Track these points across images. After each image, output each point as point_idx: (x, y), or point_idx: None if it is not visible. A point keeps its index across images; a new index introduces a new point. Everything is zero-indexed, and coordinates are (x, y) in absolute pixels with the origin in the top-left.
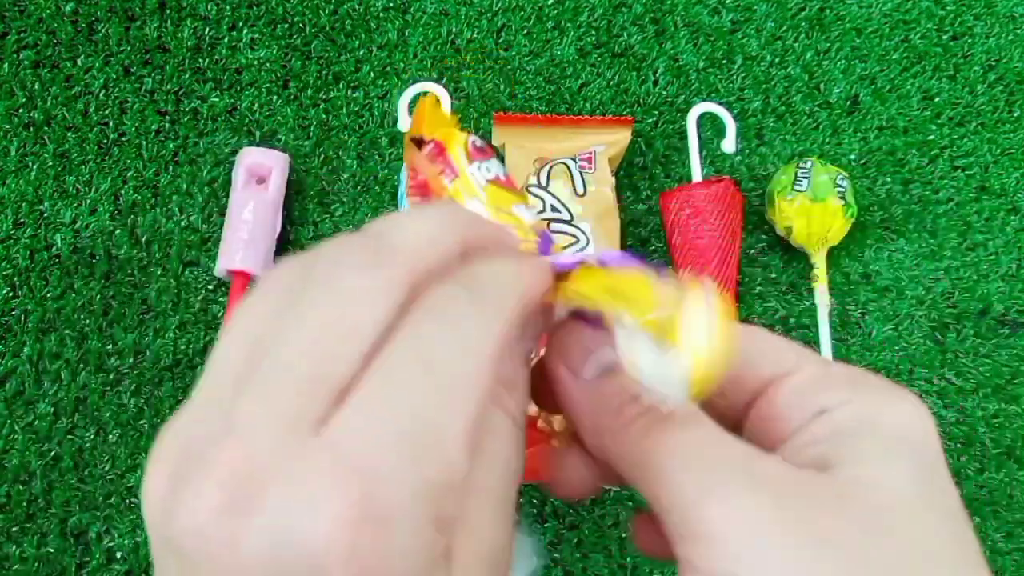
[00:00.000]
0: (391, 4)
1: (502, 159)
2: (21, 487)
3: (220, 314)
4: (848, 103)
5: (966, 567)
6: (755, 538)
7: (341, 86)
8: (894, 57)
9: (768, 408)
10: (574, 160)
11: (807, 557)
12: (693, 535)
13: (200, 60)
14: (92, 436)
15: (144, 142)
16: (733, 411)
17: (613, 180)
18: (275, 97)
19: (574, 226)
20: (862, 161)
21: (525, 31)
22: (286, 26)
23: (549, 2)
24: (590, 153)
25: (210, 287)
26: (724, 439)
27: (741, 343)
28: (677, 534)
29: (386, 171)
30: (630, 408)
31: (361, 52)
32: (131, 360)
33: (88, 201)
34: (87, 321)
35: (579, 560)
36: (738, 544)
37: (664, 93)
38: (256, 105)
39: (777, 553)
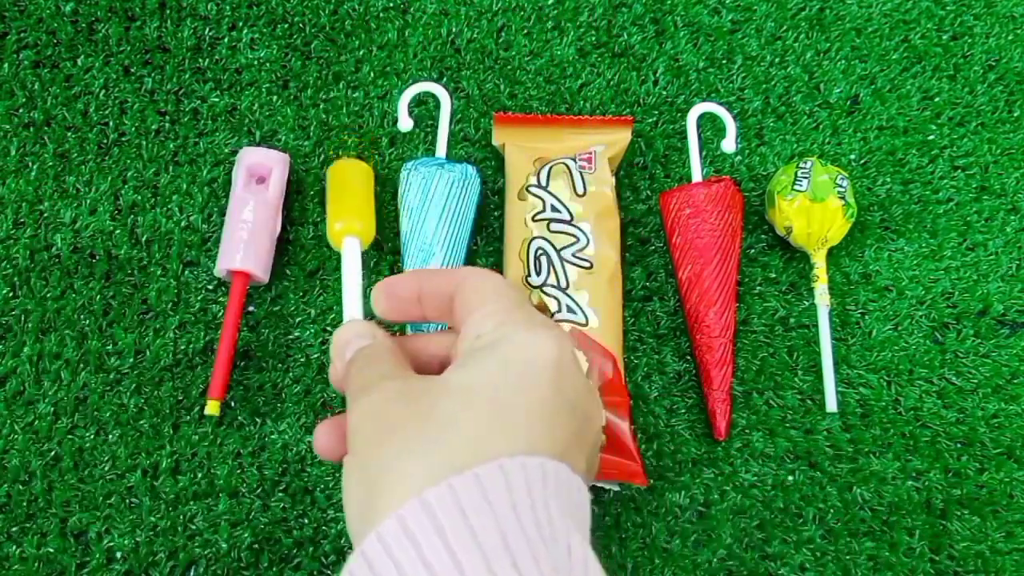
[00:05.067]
0: (391, 4)
1: (501, 159)
2: (21, 487)
3: (220, 314)
4: (848, 103)
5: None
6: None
7: (341, 86)
8: (894, 57)
9: (464, 335)
10: (574, 160)
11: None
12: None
13: (200, 60)
14: (92, 436)
15: (144, 142)
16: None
17: (613, 180)
18: (275, 97)
19: (574, 226)
20: (862, 161)
21: (525, 31)
22: (286, 26)
23: (549, 2)
24: (590, 153)
25: (210, 287)
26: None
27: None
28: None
29: (386, 171)
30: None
31: (361, 52)
32: (131, 360)
33: (88, 201)
34: (87, 321)
35: None
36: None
37: (664, 93)
38: (256, 105)
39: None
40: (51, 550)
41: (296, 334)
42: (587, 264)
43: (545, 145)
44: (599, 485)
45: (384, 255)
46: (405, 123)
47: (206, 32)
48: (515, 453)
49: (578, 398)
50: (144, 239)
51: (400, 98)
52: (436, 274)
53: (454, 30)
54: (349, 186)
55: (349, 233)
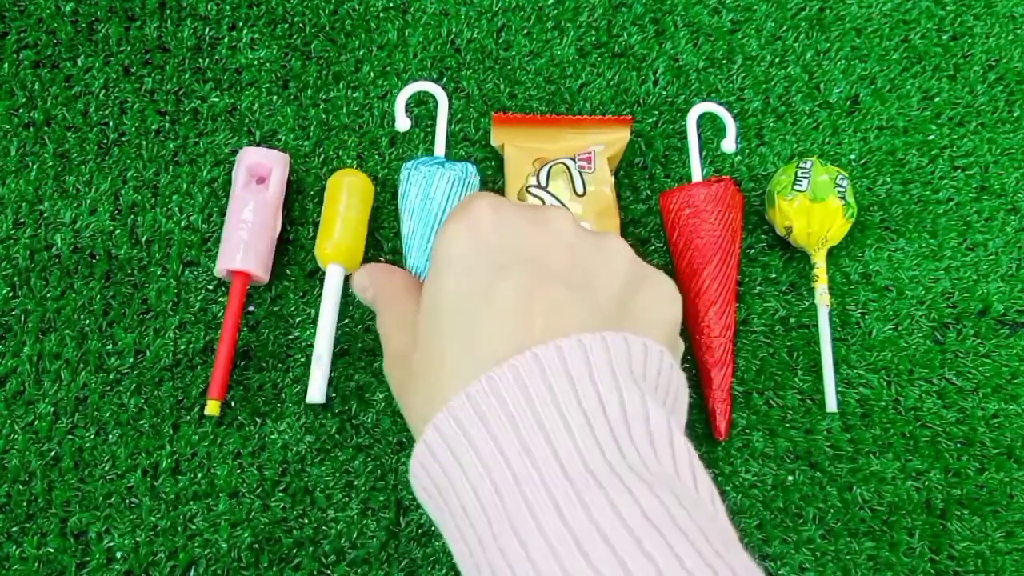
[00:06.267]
0: (391, 4)
1: (501, 160)
2: (21, 487)
3: (220, 314)
4: (848, 103)
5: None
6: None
7: (341, 86)
8: (894, 57)
9: None
10: (573, 160)
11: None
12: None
13: (200, 60)
14: (92, 436)
15: (144, 142)
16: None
17: (613, 180)
18: (275, 97)
19: None
20: (862, 161)
21: (525, 31)
22: (286, 26)
23: (549, 2)
24: (589, 153)
25: (210, 287)
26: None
27: None
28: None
29: (386, 171)
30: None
31: (361, 52)
32: (131, 360)
33: (88, 201)
34: (87, 321)
35: None
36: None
37: (664, 93)
38: (256, 105)
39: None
40: (51, 550)
41: (296, 334)
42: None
43: (544, 145)
44: None
45: (384, 255)
46: (403, 123)
47: (206, 32)
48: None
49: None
50: (144, 239)
51: (397, 97)
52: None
53: (454, 30)
54: (342, 205)
55: (335, 260)
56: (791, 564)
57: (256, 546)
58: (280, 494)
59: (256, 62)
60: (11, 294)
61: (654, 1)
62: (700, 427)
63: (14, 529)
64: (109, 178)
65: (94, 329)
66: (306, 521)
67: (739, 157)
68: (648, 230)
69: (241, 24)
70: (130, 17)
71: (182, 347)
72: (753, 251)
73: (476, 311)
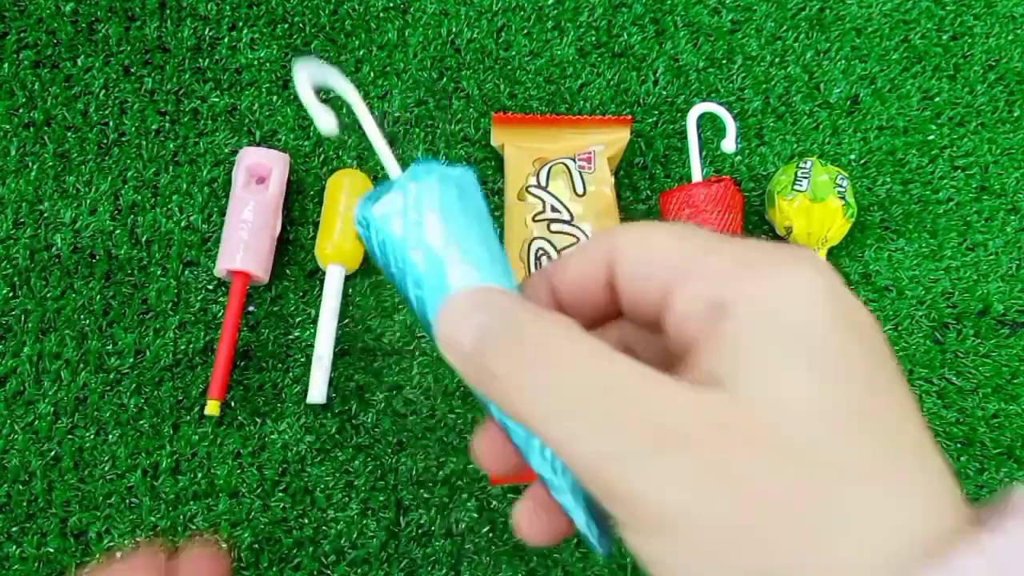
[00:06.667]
0: (391, 4)
1: (501, 160)
2: (21, 487)
3: (220, 314)
4: (848, 103)
5: (885, 483)
6: (675, 496)
7: None
8: (894, 57)
9: (670, 320)
10: (573, 160)
11: (724, 507)
12: (614, 495)
13: (200, 60)
14: (92, 436)
15: (144, 142)
16: (652, 329)
17: (612, 180)
18: (275, 97)
19: (574, 226)
20: (862, 161)
21: (525, 31)
22: (286, 26)
23: (549, 2)
24: (589, 153)
25: (210, 287)
26: (599, 365)
27: (639, 264)
28: (597, 490)
29: (386, 171)
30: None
31: (361, 52)
32: (131, 360)
33: (88, 201)
34: (87, 321)
35: (579, 560)
36: (660, 505)
37: (664, 93)
38: (256, 105)
39: (698, 508)
40: (51, 550)
41: (296, 334)
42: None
43: (544, 145)
44: None
45: None
46: (323, 122)
47: (206, 32)
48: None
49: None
50: (144, 239)
51: (299, 87)
52: (571, 259)
53: (454, 30)
54: (342, 205)
55: (335, 260)
56: None
57: (256, 546)
58: (280, 494)
59: (256, 62)
60: (11, 294)
61: (654, 1)
62: None
63: (14, 529)
64: (109, 178)
65: (94, 329)
66: (306, 521)
67: (739, 157)
68: None
69: (241, 24)
70: (130, 17)
71: (182, 347)
72: None
73: None
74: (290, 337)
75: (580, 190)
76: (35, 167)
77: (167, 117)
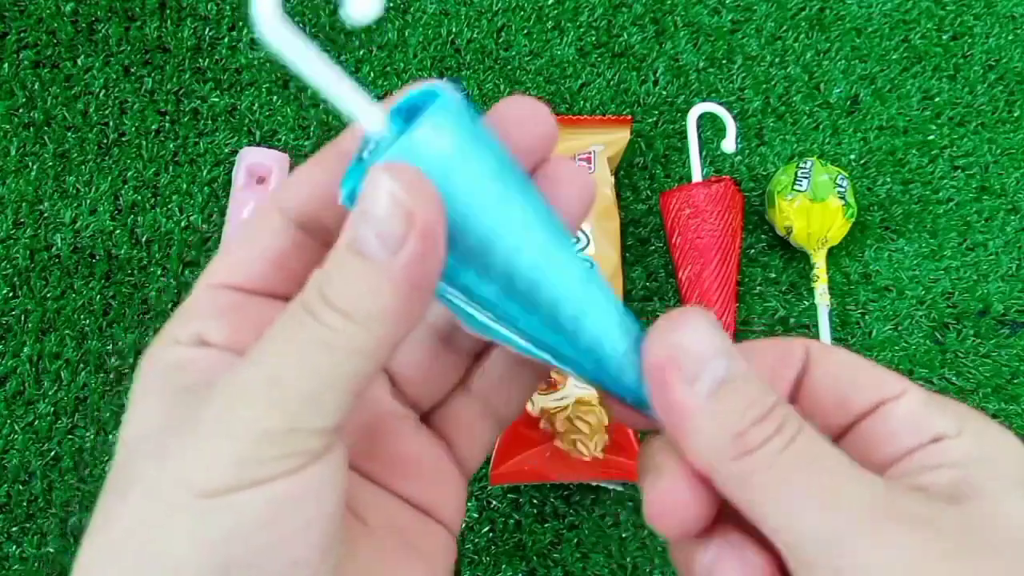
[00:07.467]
0: (391, 4)
1: None
2: (21, 487)
3: None
4: (848, 103)
5: None
6: (913, 571)
7: None
8: (894, 57)
9: (876, 429)
10: (573, 160)
11: None
12: (836, 569)
13: (200, 60)
14: (92, 436)
15: (144, 142)
16: (830, 432)
17: (613, 180)
18: (275, 97)
19: None
20: (862, 161)
21: (525, 31)
22: None
23: (549, 2)
24: (589, 153)
25: None
26: (854, 472)
27: (844, 367)
28: (804, 565)
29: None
30: (755, 432)
31: (361, 52)
32: (131, 360)
33: (88, 201)
34: (87, 321)
35: (579, 560)
36: None
37: (664, 93)
38: (256, 105)
39: None
40: (51, 550)
41: None
42: (587, 264)
43: None
44: (601, 485)
45: None
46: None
47: (206, 32)
48: None
49: None
50: (144, 239)
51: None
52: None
53: (454, 30)
54: None
55: None
56: None
57: None
58: None
59: (256, 62)
60: (11, 294)
61: (654, 1)
62: None
63: (14, 529)
64: (109, 178)
65: (94, 329)
66: None
67: (739, 157)
68: (648, 230)
69: (241, 24)
70: (130, 17)
71: None
72: (753, 251)
73: None
74: None
75: None
76: (35, 167)
77: (167, 117)
